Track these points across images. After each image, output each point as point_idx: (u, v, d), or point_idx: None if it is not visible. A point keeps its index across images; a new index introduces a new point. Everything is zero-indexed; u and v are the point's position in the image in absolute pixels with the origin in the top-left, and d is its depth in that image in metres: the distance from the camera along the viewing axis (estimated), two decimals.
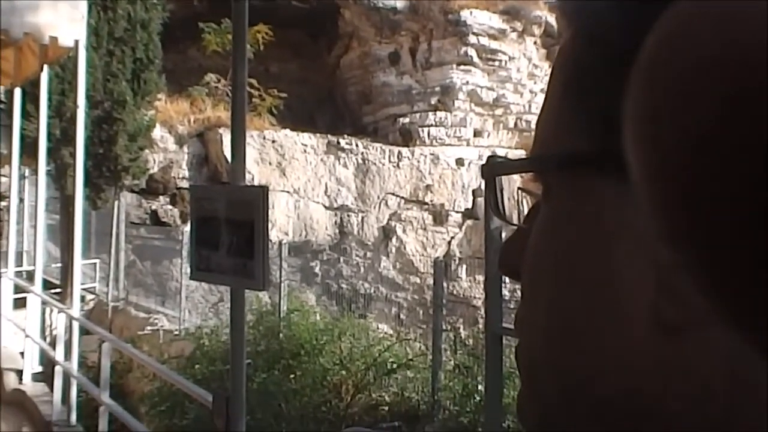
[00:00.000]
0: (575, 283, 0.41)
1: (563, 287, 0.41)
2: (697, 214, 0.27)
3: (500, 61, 22.15)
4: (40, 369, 8.10)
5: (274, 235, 17.68)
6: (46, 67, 8.18)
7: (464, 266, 18.86)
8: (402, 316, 16.49)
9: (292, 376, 9.14)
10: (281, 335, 9.94)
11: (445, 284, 9.79)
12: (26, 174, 15.93)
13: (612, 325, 0.38)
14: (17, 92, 9.25)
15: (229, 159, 4.10)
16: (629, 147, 0.30)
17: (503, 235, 2.94)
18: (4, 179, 15.49)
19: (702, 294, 0.28)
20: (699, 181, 0.27)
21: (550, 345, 0.42)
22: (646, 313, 0.37)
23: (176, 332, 12.67)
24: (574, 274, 0.41)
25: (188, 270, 4.08)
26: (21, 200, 14.90)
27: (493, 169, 0.51)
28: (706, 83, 0.26)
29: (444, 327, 9.15)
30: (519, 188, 0.52)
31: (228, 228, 3.60)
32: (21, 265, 14.16)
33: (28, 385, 7.54)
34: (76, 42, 7.31)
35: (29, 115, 10.80)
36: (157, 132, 17.62)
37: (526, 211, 0.51)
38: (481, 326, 9.65)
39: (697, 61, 0.27)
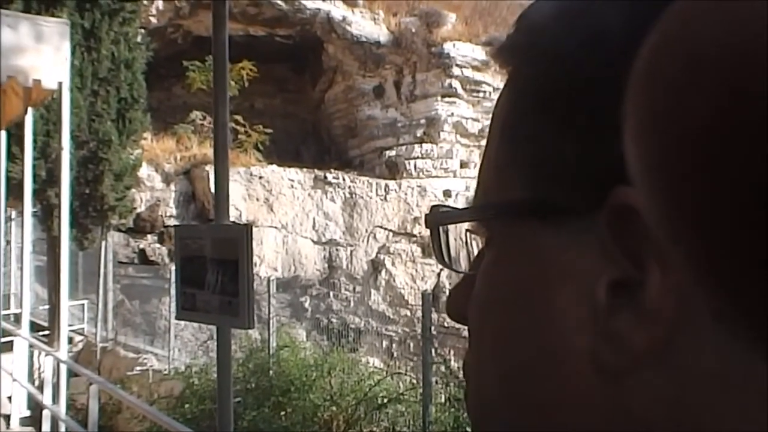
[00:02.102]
0: (518, 328, 0.41)
1: (506, 332, 0.42)
2: (698, 211, 0.27)
3: (485, 92, 22.30)
4: (28, 413, 8.03)
5: (262, 270, 17.63)
6: (30, 109, 8.19)
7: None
8: (393, 349, 16.43)
9: (282, 413, 9.08)
10: (271, 372, 9.87)
11: (434, 316, 9.75)
12: (12, 216, 15.88)
13: (554, 369, 0.39)
14: (2, 135, 9.25)
15: None
16: (628, 145, 0.30)
17: None
18: None
19: (706, 289, 0.28)
20: (698, 178, 0.27)
21: (495, 390, 0.43)
22: (585, 358, 0.37)
23: (165, 372, 12.57)
24: (517, 319, 0.41)
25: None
26: (8, 242, 14.86)
27: (437, 218, 0.52)
28: (705, 83, 0.26)
29: (434, 359, 9.10)
30: (467, 230, 0.52)
31: (213, 266, 3.60)
32: (8, 308, 14.07)
33: (16, 430, 7.46)
34: (60, 84, 7.33)
35: (14, 157, 10.78)
36: (144, 170, 17.62)
37: (475, 253, 0.51)
38: None
39: (696, 61, 0.27)
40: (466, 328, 0.47)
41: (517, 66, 0.45)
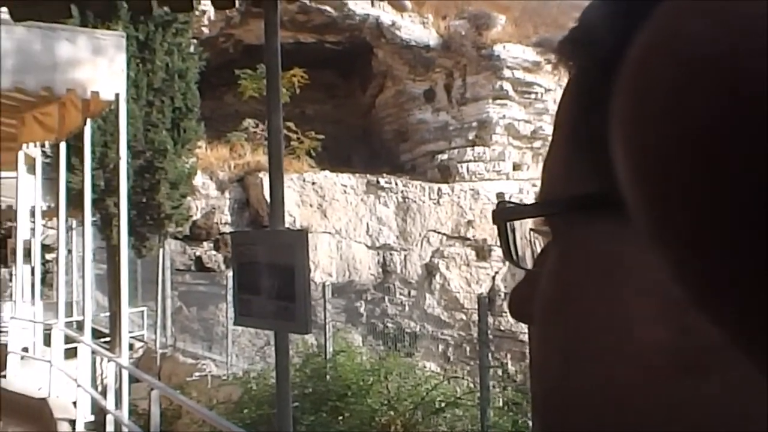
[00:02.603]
0: (588, 326, 0.40)
1: (575, 330, 0.41)
2: (688, 219, 0.27)
3: (536, 93, 22.16)
4: (92, 418, 8.17)
5: (317, 276, 17.73)
6: (88, 121, 8.34)
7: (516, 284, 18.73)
8: (449, 353, 16.40)
9: (339, 417, 9.11)
10: (328, 377, 9.92)
11: (490, 320, 9.71)
12: (73, 225, 16.20)
13: (628, 366, 0.38)
14: (62, 146, 9.44)
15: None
16: (616, 149, 0.30)
17: None
18: (51, 231, 15.77)
19: (698, 303, 0.27)
20: (690, 185, 0.26)
21: (565, 389, 0.42)
22: (661, 353, 0.36)
23: (224, 377, 12.71)
24: (587, 316, 0.40)
25: (233, 315, 4.12)
26: (69, 251, 15.16)
27: (503, 214, 0.52)
28: (699, 84, 0.26)
29: (491, 363, 9.05)
30: (531, 229, 0.52)
31: (269, 272, 3.63)
32: (71, 316, 14.34)
33: None
34: (117, 95, 7.45)
35: (74, 167, 11.00)
36: (199, 179, 17.84)
37: (539, 252, 0.51)
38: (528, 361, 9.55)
39: (690, 61, 0.26)
40: (523, 330, 0.46)
41: (579, 60, 0.45)
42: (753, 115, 0.25)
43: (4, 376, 9.76)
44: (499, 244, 0.54)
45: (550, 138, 0.47)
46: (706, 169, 0.26)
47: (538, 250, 0.51)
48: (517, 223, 0.52)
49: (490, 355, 8.95)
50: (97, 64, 7.21)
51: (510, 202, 0.53)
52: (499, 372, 9.75)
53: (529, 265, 0.51)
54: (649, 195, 0.27)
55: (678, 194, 0.27)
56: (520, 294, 0.49)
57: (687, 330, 0.35)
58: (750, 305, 0.25)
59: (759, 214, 0.25)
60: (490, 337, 9.23)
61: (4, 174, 12.20)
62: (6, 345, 10.24)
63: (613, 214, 0.37)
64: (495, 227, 0.54)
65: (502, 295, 19.49)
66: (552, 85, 22.25)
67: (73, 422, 7.80)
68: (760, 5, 0.25)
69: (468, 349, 16.04)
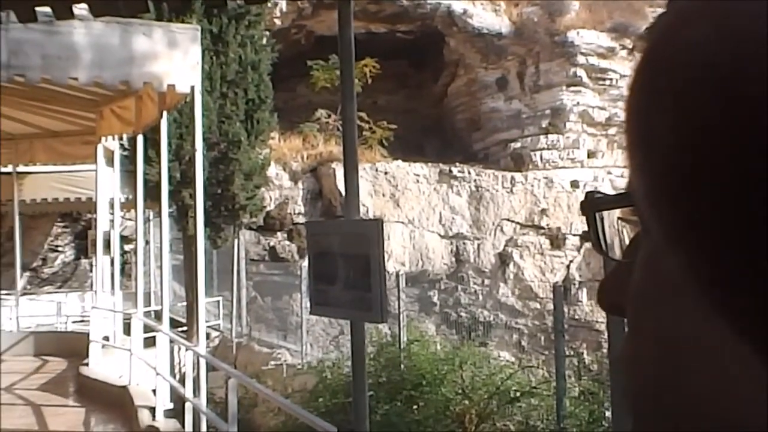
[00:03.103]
0: (682, 318, 0.39)
1: (670, 322, 0.40)
2: (692, 210, 0.27)
3: (611, 79, 21.79)
4: (171, 406, 8.31)
5: (390, 265, 17.76)
6: (164, 114, 8.47)
7: (584, 290, 18.51)
8: (523, 342, 16.28)
9: (414, 406, 9.11)
10: (402, 366, 9.93)
11: (565, 309, 9.60)
12: (150, 217, 16.52)
13: (717, 375, 0.37)
14: (139, 139, 9.62)
15: (343, 193, 4.14)
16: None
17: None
18: (130, 223, 16.12)
19: (699, 291, 0.28)
20: (695, 177, 0.27)
21: (660, 382, 0.41)
22: (753, 363, 0.34)
23: (299, 366, 12.82)
24: (681, 308, 0.39)
25: (308, 305, 4.13)
26: (146, 242, 15.47)
27: (592, 204, 0.51)
28: (701, 86, 0.26)
29: (567, 353, 8.95)
30: (619, 218, 0.51)
31: (344, 262, 3.63)
32: (149, 306, 14.64)
33: (161, 422, 7.73)
34: (192, 88, 7.54)
35: (150, 160, 11.20)
36: (272, 170, 18.00)
37: (627, 241, 0.50)
38: (604, 351, 9.41)
39: (693, 63, 0.27)
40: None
41: (632, 90, 0.43)
42: (753, 117, 0.25)
43: (87, 364, 10.01)
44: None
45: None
46: (709, 167, 0.26)
47: (626, 239, 0.51)
48: (605, 213, 0.51)
49: (565, 344, 8.85)
50: (173, 58, 7.31)
51: (599, 192, 0.51)
52: (575, 362, 9.65)
53: (618, 254, 0.51)
54: (654, 193, 0.29)
55: (681, 193, 0.27)
56: (610, 285, 0.48)
57: None
58: (759, 302, 0.27)
59: (760, 211, 0.25)
60: (565, 326, 9.13)
61: (84, 167, 12.49)
62: (88, 334, 10.49)
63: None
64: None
65: (577, 284, 19.26)
66: (627, 71, 21.81)
67: (152, 409, 7.95)
68: (762, 9, 0.26)
69: (542, 338, 15.90)
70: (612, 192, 0.51)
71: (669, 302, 0.40)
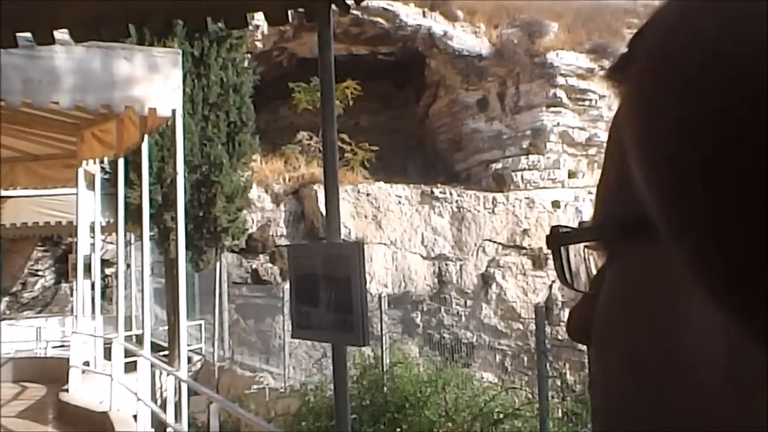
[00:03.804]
0: (647, 345, 0.41)
1: (635, 349, 0.42)
2: (695, 204, 0.27)
3: (590, 100, 21.96)
4: (152, 431, 8.26)
5: (373, 287, 17.74)
6: (146, 137, 8.47)
7: (567, 310, 18.54)
8: (506, 363, 16.27)
9: (398, 429, 9.09)
10: (385, 388, 9.90)
11: (548, 329, 9.63)
12: (132, 240, 16.44)
13: (688, 384, 0.39)
14: (120, 162, 9.60)
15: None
16: (626, 136, 0.30)
17: None
18: (111, 246, 16.02)
19: (716, 296, 0.28)
20: (697, 171, 0.27)
21: (625, 406, 0.43)
22: (720, 371, 0.36)
23: (281, 389, 12.76)
24: (646, 336, 0.41)
25: (290, 328, 4.13)
26: (128, 266, 15.38)
27: (557, 239, 0.52)
28: (709, 76, 0.26)
29: (550, 373, 8.96)
30: (585, 246, 0.53)
31: (326, 284, 3.63)
32: (130, 330, 14.54)
33: None
34: (173, 111, 7.55)
35: (132, 183, 11.17)
36: (254, 192, 17.98)
37: (593, 268, 0.52)
38: (587, 371, 9.43)
39: (701, 53, 0.27)
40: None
41: (636, 85, 0.45)
42: (761, 109, 0.25)
43: (67, 390, 9.93)
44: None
45: (602, 160, 0.48)
46: (716, 159, 0.26)
47: (593, 267, 0.53)
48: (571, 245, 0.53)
49: (548, 365, 8.86)
50: (154, 81, 7.31)
51: (564, 227, 0.53)
52: (558, 382, 9.65)
53: (583, 285, 0.53)
54: (661, 184, 0.29)
55: (688, 184, 0.28)
56: (577, 315, 0.51)
57: (737, 349, 0.35)
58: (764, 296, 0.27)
59: (755, 198, 0.25)
60: (548, 346, 9.14)
61: (64, 190, 12.43)
62: (68, 359, 10.42)
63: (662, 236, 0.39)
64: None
65: (560, 304, 19.30)
66: (606, 91, 22.00)
67: None
68: (765, 2, 0.26)
69: (526, 359, 15.90)
70: (577, 226, 0.53)
71: (636, 321, 0.42)
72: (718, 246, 0.28)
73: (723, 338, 0.36)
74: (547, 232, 0.53)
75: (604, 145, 0.47)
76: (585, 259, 0.53)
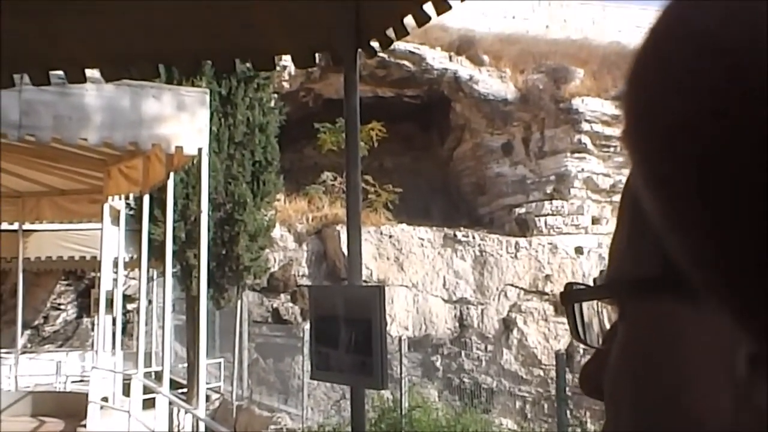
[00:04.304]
0: (655, 400, 0.42)
1: (643, 404, 0.43)
2: (699, 203, 0.27)
3: (615, 146, 21.92)
4: None
5: (393, 330, 17.66)
6: (171, 174, 8.53)
7: (588, 357, 18.37)
8: (526, 410, 16.10)
9: None
10: None
11: (569, 376, 9.53)
12: (154, 276, 16.50)
13: None
14: (145, 199, 9.66)
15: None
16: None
17: None
18: (133, 282, 16.09)
19: (710, 284, 0.29)
20: (696, 169, 0.27)
21: None
22: (722, 425, 0.37)
23: (299, 430, 12.68)
24: (655, 392, 0.42)
25: (309, 368, 4.12)
26: (149, 302, 15.44)
27: (571, 296, 0.54)
28: (708, 72, 0.26)
29: (570, 421, 8.86)
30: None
31: (346, 326, 3.62)
32: (150, 366, 14.54)
33: None
34: (199, 150, 7.61)
35: (156, 219, 11.25)
36: (277, 231, 18.03)
37: (606, 321, 0.54)
38: None
39: (700, 48, 0.27)
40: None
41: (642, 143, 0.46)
42: (759, 103, 0.25)
43: (84, 426, 9.91)
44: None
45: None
46: (715, 152, 0.26)
47: (606, 319, 0.54)
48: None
49: (568, 412, 8.77)
50: (182, 120, 7.39)
51: (578, 284, 0.55)
52: (578, 431, 9.53)
53: (596, 337, 0.55)
54: (659, 177, 0.29)
55: (688, 176, 0.28)
56: (589, 370, 0.52)
57: (743, 402, 0.36)
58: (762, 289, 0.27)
59: (754, 195, 0.25)
60: (569, 394, 9.05)
61: (89, 225, 12.52)
62: (87, 394, 10.41)
63: (673, 295, 0.40)
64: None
65: (581, 351, 19.12)
66: None
67: None
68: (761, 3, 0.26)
69: (546, 406, 15.72)
70: (591, 283, 0.54)
71: (645, 377, 0.43)
72: (717, 246, 0.28)
73: (733, 398, 0.36)
74: (570, 279, 0.55)
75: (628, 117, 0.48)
76: (598, 312, 0.54)
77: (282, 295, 19.56)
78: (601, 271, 0.56)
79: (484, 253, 20.59)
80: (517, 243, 20.84)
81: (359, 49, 3.16)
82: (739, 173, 0.26)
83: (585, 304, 0.55)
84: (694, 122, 0.27)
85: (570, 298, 0.54)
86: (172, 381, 10.01)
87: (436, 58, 22.72)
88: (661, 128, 0.28)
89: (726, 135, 0.26)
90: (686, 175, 0.28)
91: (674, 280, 0.39)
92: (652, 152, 0.29)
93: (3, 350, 13.45)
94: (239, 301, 15.82)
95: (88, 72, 3.65)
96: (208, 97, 7.83)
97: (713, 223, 0.27)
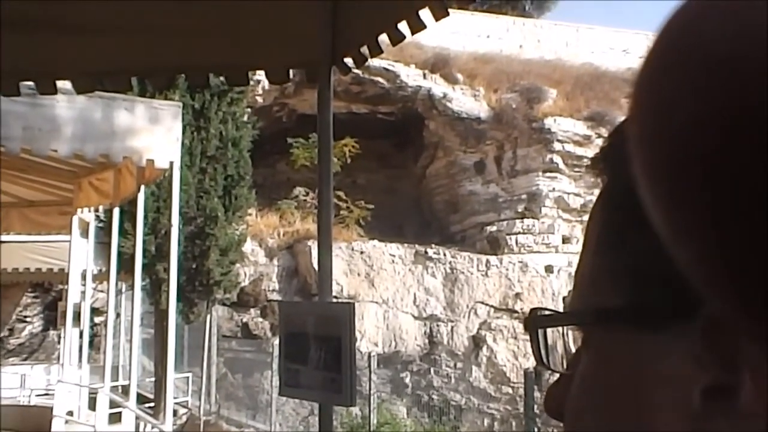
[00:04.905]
0: (613, 428, 0.43)
1: (602, 430, 0.43)
2: (705, 213, 0.27)
3: (586, 166, 22.07)
4: None
5: (363, 345, 17.63)
6: (142, 187, 8.48)
7: (556, 376, 18.43)
8: (495, 428, 16.10)
9: None
10: None
11: (537, 394, 9.56)
12: (123, 290, 16.35)
13: None
14: (116, 212, 9.59)
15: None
16: (631, 145, 0.30)
17: None
18: (101, 295, 15.94)
19: (719, 297, 0.29)
20: (708, 181, 0.27)
21: None
22: None
23: None
24: (613, 421, 0.43)
25: (278, 384, 4.10)
26: (117, 315, 15.30)
27: (536, 322, 0.55)
28: (716, 82, 0.26)
29: None
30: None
31: (316, 343, 3.61)
32: (117, 380, 14.39)
33: None
34: (171, 163, 7.57)
35: (126, 232, 11.16)
36: (248, 246, 17.96)
37: (571, 344, 0.54)
38: None
39: (708, 59, 0.27)
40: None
41: (608, 176, 0.47)
42: (764, 117, 0.25)
43: None
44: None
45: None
46: (723, 159, 0.26)
47: (570, 341, 0.55)
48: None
49: (537, 430, 8.78)
50: (154, 133, 7.35)
51: (542, 309, 0.55)
52: None
53: (559, 362, 0.55)
54: (667, 184, 0.29)
55: (697, 183, 0.27)
56: (553, 394, 0.53)
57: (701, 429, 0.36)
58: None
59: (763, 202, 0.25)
60: (537, 412, 9.07)
61: (58, 237, 12.40)
62: (52, 408, 10.28)
63: (635, 326, 0.41)
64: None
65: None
66: None
67: None
68: (762, 15, 0.26)
69: (514, 424, 15.75)
70: (562, 303, 0.54)
71: (606, 407, 0.44)
72: (720, 247, 0.28)
73: (688, 426, 0.37)
74: (540, 297, 0.56)
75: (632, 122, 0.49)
76: (563, 335, 0.55)
77: (252, 310, 19.45)
78: (569, 292, 0.57)
79: (455, 271, 20.63)
80: (488, 261, 20.90)
81: (333, 66, 3.17)
82: (748, 180, 0.26)
83: (549, 330, 0.55)
84: (702, 130, 0.27)
85: (534, 324, 0.54)
86: (139, 395, 9.90)
87: (411, 76, 22.80)
88: (669, 136, 0.28)
89: (735, 143, 0.26)
90: (694, 181, 0.28)
91: (636, 311, 0.40)
92: (660, 160, 0.29)
93: None
94: (209, 316, 15.72)
95: (60, 83, 3.63)
96: (180, 111, 7.80)
97: (715, 223, 0.27)
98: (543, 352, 0.55)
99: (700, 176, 0.27)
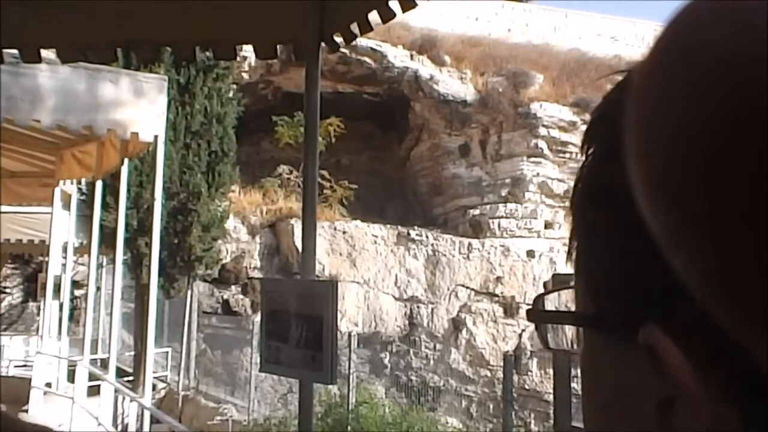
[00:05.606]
0: (599, 420, 0.45)
1: (594, 416, 0.46)
2: (704, 213, 0.27)
3: (571, 152, 22.15)
4: None
5: (343, 325, 17.66)
6: (126, 161, 8.43)
7: (535, 360, 18.54)
8: (472, 410, 16.19)
9: None
10: (350, 428, 9.83)
11: (515, 378, 9.63)
12: (104, 263, 16.29)
13: None
14: (98, 185, 9.54)
15: (300, 250, 4.13)
16: (628, 149, 0.30)
17: None
18: (82, 268, 15.87)
19: (711, 303, 0.29)
20: (707, 182, 0.27)
21: None
22: None
23: (245, 422, 12.63)
24: (596, 411, 0.45)
25: (258, 360, 4.10)
26: (98, 289, 15.23)
27: (539, 317, 0.57)
28: (716, 86, 0.26)
29: (515, 422, 8.93)
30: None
31: (297, 321, 3.61)
32: (96, 353, 14.37)
33: None
34: (155, 137, 7.52)
35: (108, 206, 11.12)
36: (230, 222, 17.92)
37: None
38: (552, 422, 9.41)
39: (707, 63, 0.27)
40: (548, 390, 0.51)
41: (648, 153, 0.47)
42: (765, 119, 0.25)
43: (26, 411, 9.77)
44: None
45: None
46: (724, 159, 0.26)
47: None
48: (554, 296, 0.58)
49: (513, 413, 8.84)
50: (139, 106, 7.30)
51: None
52: (522, 431, 9.62)
53: (569, 340, 0.56)
54: (666, 183, 0.28)
55: (696, 183, 0.27)
56: None
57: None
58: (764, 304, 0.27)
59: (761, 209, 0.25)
60: (515, 395, 9.13)
61: (39, 209, 12.33)
62: (30, 380, 10.27)
63: (605, 335, 0.43)
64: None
65: (528, 353, 19.28)
66: None
67: None
68: (762, 19, 0.26)
69: (492, 406, 15.84)
70: (555, 310, 0.57)
71: (592, 402, 0.46)
72: (716, 254, 0.28)
73: (648, 426, 0.38)
74: (521, 281, 0.57)
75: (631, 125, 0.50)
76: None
77: (233, 287, 19.44)
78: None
79: (436, 253, 20.66)
80: (470, 244, 20.95)
81: (322, 43, 3.15)
82: (748, 180, 0.26)
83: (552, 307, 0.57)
84: (702, 130, 0.27)
85: (538, 318, 0.56)
86: (118, 369, 9.89)
87: (398, 57, 22.74)
88: (669, 135, 0.28)
89: (735, 143, 0.26)
90: (693, 181, 0.27)
91: (599, 320, 0.42)
92: (659, 160, 0.29)
93: None
94: (189, 292, 15.70)
95: (44, 53, 3.59)
96: (166, 84, 7.75)
97: (714, 228, 0.27)
98: (549, 336, 0.56)
99: (700, 176, 0.27)
